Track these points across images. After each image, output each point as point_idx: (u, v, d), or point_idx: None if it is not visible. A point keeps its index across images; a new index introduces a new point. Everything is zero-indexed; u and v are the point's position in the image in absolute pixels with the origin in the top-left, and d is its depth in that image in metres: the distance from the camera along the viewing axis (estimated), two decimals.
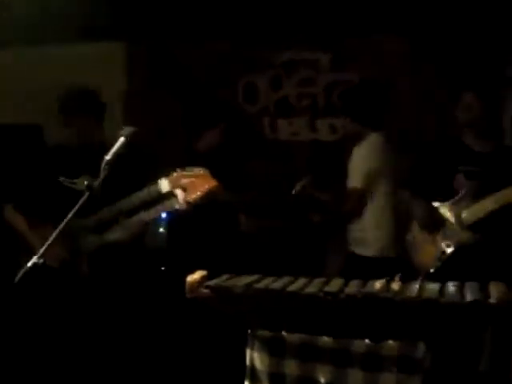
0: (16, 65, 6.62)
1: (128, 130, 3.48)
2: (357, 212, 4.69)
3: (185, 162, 4.21)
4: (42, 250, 2.79)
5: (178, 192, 3.40)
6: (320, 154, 5.95)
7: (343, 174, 4.78)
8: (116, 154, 3.20)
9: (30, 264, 2.74)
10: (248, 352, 2.84)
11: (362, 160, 4.67)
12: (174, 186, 3.41)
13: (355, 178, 4.65)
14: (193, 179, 3.40)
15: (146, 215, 3.65)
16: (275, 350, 2.78)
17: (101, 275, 3.91)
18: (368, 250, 4.68)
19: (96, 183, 3.09)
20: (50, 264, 3.79)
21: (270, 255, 5.15)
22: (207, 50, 6.17)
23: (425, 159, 4.40)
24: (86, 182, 3.08)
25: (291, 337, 2.76)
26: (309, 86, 6.01)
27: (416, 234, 4.34)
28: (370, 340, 2.66)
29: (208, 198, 3.44)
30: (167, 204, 3.53)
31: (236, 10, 5.37)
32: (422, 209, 4.27)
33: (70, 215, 2.98)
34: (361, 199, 4.67)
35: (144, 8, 5.43)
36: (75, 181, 3.88)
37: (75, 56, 6.39)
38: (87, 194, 3.06)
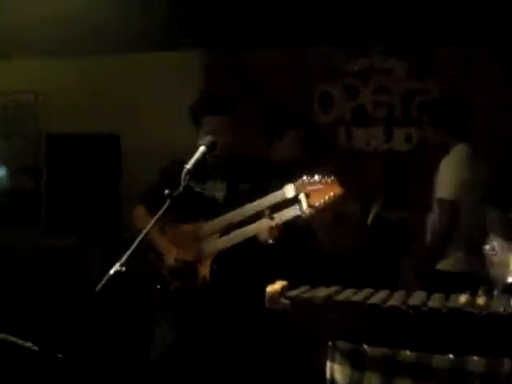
0: (94, 74, 6.75)
1: (208, 138, 3.51)
2: (451, 224, 4.53)
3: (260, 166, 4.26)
4: (124, 258, 2.82)
5: (302, 198, 3.38)
6: (395, 164, 5.89)
7: (419, 184, 4.72)
8: (197, 163, 3.24)
9: (112, 272, 2.77)
10: (328, 364, 2.81)
11: (452, 171, 4.55)
12: (299, 191, 3.40)
13: (445, 190, 4.55)
14: (319, 186, 3.36)
15: (270, 220, 3.64)
16: (356, 362, 2.75)
17: (220, 280, 3.95)
18: (446, 265, 4.58)
19: (177, 192, 3.11)
20: (170, 265, 3.91)
21: (346, 269, 5.11)
22: (282, 58, 6.18)
23: (507, 172, 4.31)
24: (166, 191, 3.11)
25: (372, 350, 2.72)
26: (385, 95, 5.95)
27: (493, 245, 4.23)
28: (454, 355, 2.61)
29: (333, 206, 3.41)
30: (291, 209, 3.52)
31: (311, 19, 5.35)
32: (502, 221, 4.16)
33: (151, 223, 3.02)
34: (454, 210, 4.57)
35: (220, 17, 5.46)
36: (204, 186, 3.97)
37: (153, 65, 6.49)
38: (168, 202, 3.09)
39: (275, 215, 3.59)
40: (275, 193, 3.57)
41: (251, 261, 3.97)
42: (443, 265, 4.57)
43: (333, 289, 2.88)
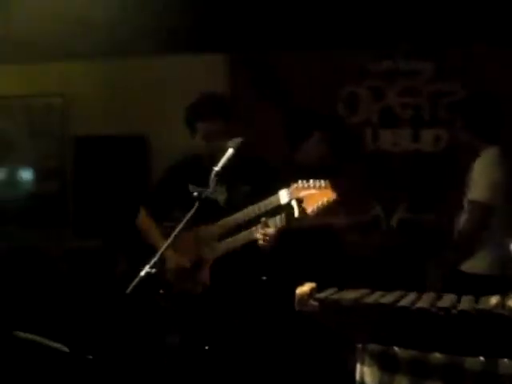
0: (121, 76, 6.79)
1: (236, 141, 3.51)
2: (483, 227, 4.49)
3: (286, 174, 4.26)
4: (153, 260, 2.84)
5: (295, 204, 3.38)
6: (423, 165, 5.86)
7: (447, 185, 4.69)
8: (225, 165, 3.24)
9: (143, 273, 2.78)
10: (358, 367, 2.81)
11: (484, 173, 4.51)
12: (293, 197, 3.39)
13: (477, 191, 4.51)
14: (312, 191, 3.35)
15: (277, 221, 3.65)
16: (386, 365, 2.74)
17: (219, 284, 3.96)
18: (475, 268, 4.55)
19: (205, 194, 3.12)
20: (170, 269, 3.93)
21: (372, 271, 5.09)
22: (308, 60, 6.17)
23: None
24: (195, 193, 3.12)
25: (402, 352, 2.71)
26: (412, 96, 5.93)
27: None
28: (484, 357, 2.59)
29: (326, 211, 3.40)
30: (284, 215, 3.53)
31: (337, 20, 5.35)
32: None
33: (181, 225, 3.03)
34: (487, 213, 4.52)
35: (245, 19, 5.47)
36: (209, 190, 3.98)
37: (179, 67, 6.52)
38: (197, 204, 3.10)
39: (270, 220, 3.61)
40: (270, 198, 3.58)
41: (251, 264, 3.96)
42: (474, 267, 4.54)
43: (361, 291, 2.88)
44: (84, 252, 6.58)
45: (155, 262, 2.84)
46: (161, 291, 4.01)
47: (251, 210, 3.69)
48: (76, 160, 6.53)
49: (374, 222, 5.12)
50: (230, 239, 3.83)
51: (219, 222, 3.88)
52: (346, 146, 5.72)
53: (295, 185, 3.41)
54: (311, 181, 3.37)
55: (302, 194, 3.37)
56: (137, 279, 2.77)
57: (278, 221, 3.61)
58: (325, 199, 3.33)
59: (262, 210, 3.63)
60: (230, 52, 6.42)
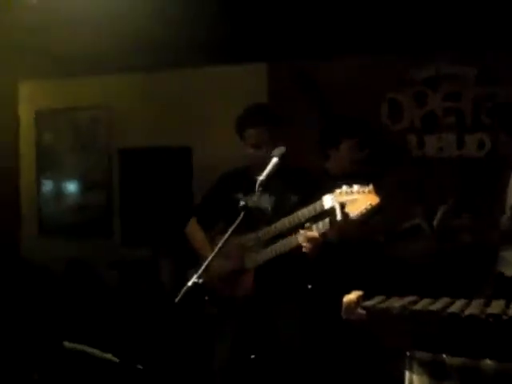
0: (163, 88, 6.86)
1: (280, 150, 3.53)
2: None
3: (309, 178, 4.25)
4: (201, 270, 2.86)
5: (338, 208, 3.38)
6: (468, 171, 5.81)
7: (492, 191, 4.65)
8: (270, 175, 3.26)
9: (190, 283, 2.81)
10: (407, 374, 2.80)
11: None
12: (336, 202, 3.39)
13: None
14: (356, 196, 3.33)
15: (315, 228, 3.65)
16: (435, 372, 2.72)
17: (265, 290, 3.99)
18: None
19: (251, 203, 3.14)
20: (214, 275, 3.96)
21: (416, 277, 5.06)
22: (348, 68, 6.16)
23: None
24: (242, 203, 3.14)
25: (452, 359, 2.70)
26: (455, 101, 5.89)
27: None
28: None
29: (370, 216, 3.39)
30: (328, 220, 3.53)
31: (377, 26, 5.33)
32: None
33: (228, 234, 3.05)
34: None
35: (283, 29, 5.47)
36: (252, 198, 4.01)
37: (219, 78, 6.57)
38: (243, 213, 3.11)
39: (314, 226, 3.60)
40: (313, 204, 3.58)
41: (296, 271, 3.96)
42: None
43: (409, 298, 2.87)
44: (131, 262, 6.65)
45: (202, 272, 2.85)
46: (206, 298, 4.04)
47: (295, 217, 3.71)
48: (122, 172, 6.58)
49: (413, 230, 5.10)
50: (274, 245, 3.84)
51: (264, 230, 3.90)
52: (384, 153, 5.69)
53: (339, 190, 3.40)
54: (355, 186, 3.36)
55: (346, 198, 3.35)
56: (184, 289, 2.79)
57: (320, 226, 3.61)
58: (369, 203, 3.31)
59: (307, 215, 3.64)
60: (269, 61, 6.44)
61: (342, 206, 3.35)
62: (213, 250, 3.92)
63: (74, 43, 5.58)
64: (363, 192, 3.33)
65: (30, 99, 7.51)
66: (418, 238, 5.11)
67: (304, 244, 3.69)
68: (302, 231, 3.69)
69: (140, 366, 3.05)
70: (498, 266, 4.65)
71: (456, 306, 2.73)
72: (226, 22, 5.23)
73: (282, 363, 4.05)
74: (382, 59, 6.00)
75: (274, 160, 3.41)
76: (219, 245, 3.00)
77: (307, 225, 3.65)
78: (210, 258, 2.92)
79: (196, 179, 6.36)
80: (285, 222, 3.78)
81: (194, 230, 4.23)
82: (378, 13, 5.02)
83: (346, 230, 3.54)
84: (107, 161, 7.23)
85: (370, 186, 3.35)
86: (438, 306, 2.75)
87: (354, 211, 3.33)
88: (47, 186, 7.74)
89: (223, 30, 5.38)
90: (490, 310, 2.62)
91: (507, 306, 2.70)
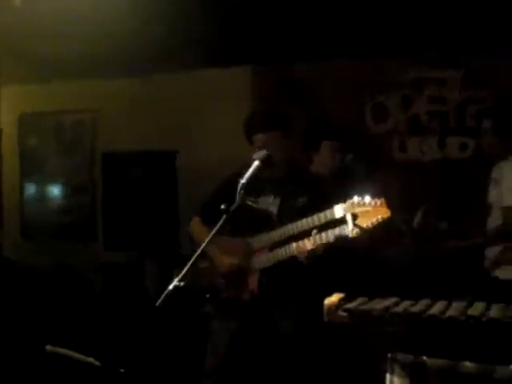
0: (147, 92, 6.85)
1: (261, 153, 3.53)
2: None
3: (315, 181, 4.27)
4: (182, 274, 2.86)
5: (349, 219, 3.38)
6: (450, 173, 5.84)
7: (475, 193, 4.68)
8: (252, 178, 3.26)
9: (171, 287, 2.80)
10: (388, 376, 2.80)
11: None
12: (348, 212, 3.40)
13: None
14: (368, 208, 3.36)
15: (318, 238, 3.66)
16: (416, 374, 2.73)
17: (268, 293, 3.99)
18: (506, 273, 4.53)
19: (233, 207, 3.14)
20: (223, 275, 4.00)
21: (399, 279, 5.08)
22: (333, 71, 6.18)
23: None
24: (222, 206, 3.14)
25: (432, 361, 2.71)
26: (439, 104, 5.91)
27: None
28: None
29: (380, 228, 3.41)
30: (338, 230, 3.53)
31: (364, 30, 5.34)
32: None
33: (208, 238, 3.05)
34: None
35: (269, 32, 5.48)
36: (257, 200, 4.02)
37: (204, 82, 6.57)
38: (224, 217, 3.11)
39: (323, 234, 3.61)
40: (324, 212, 3.58)
41: (299, 275, 3.97)
42: (506, 274, 4.53)
43: (390, 300, 2.88)
44: (115, 265, 6.64)
45: (184, 276, 2.85)
46: (207, 296, 4.05)
47: (305, 223, 3.70)
48: (105, 175, 6.57)
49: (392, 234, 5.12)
50: (279, 250, 3.85)
51: (270, 233, 3.91)
52: (374, 156, 5.72)
53: (351, 200, 3.42)
54: (367, 198, 3.38)
55: (358, 210, 3.38)
56: (165, 292, 2.78)
57: (323, 236, 3.62)
58: (379, 216, 3.34)
59: (316, 222, 3.64)
60: (254, 65, 6.45)
61: (354, 217, 3.37)
62: (214, 248, 3.98)
63: (58, 47, 5.57)
64: (375, 204, 3.35)
65: (14, 103, 7.48)
66: (399, 240, 5.14)
67: (298, 255, 3.73)
68: (294, 244, 3.72)
69: (122, 370, 3.05)
70: (485, 266, 4.68)
71: (437, 308, 2.74)
72: (211, 27, 5.22)
73: (280, 362, 4.07)
74: (367, 62, 6.03)
75: (256, 163, 3.41)
76: (199, 249, 2.99)
77: (314, 232, 3.67)
78: (189, 264, 2.91)
79: (181, 183, 6.35)
80: (292, 228, 3.78)
81: (198, 228, 4.20)
82: (364, 17, 5.04)
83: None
84: (91, 164, 7.22)
85: (382, 199, 3.37)
86: (418, 307, 2.76)
87: (364, 223, 3.35)
88: (31, 189, 7.72)
89: (208, 34, 5.38)
90: (470, 312, 2.63)
91: (488, 308, 2.72)
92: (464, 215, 5.04)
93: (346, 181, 4.71)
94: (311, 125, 5.19)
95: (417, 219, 4.84)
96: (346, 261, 4.47)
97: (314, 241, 3.63)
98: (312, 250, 3.65)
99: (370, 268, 4.87)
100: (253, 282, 3.97)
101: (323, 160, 4.82)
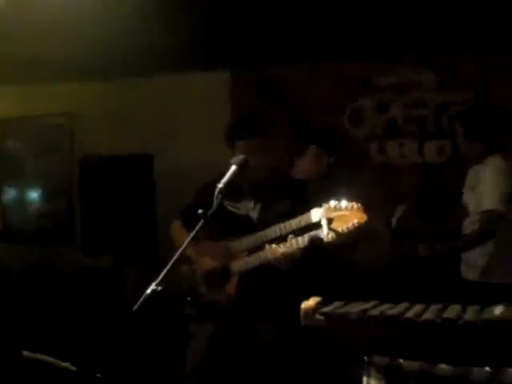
0: (125, 95, 6.84)
1: (239, 158, 3.53)
2: (491, 235, 4.51)
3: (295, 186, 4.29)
4: (160, 277, 2.85)
5: (324, 223, 3.38)
6: (428, 177, 5.87)
7: (452, 197, 4.71)
8: (229, 182, 3.26)
9: (149, 291, 2.80)
10: (364, 379, 2.82)
11: (496, 182, 4.53)
12: (324, 216, 3.40)
13: (491, 200, 4.50)
14: (344, 212, 3.34)
15: (294, 243, 3.67)
16: (392, 377, 2.75)
17: (247, 297, 4.00)
18: (480, 276, 4.58)
19: (210, 212, 3.13)
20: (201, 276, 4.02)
21: (378, 282, 5.10)
22: (311, 74, 6.21)
23: None
24: (200, 211, 3.13)
25: (409, 364, 2.72)
26: (417, 108, 5.94)
27: None
28: (491, 368, 2.60)
29: (355, 233, 3.41)
30: (314, 234, 3.54)
31: (340, 32, 5.36)
32: None
33: (186, 242, 3.05)
34: (496, 222, 4.55)
35: (245, 34, 5.48)
36: (238, 205, 4.02)
37: (181, 86, 6.57)
38: (202, 222, 3.11)
39: (299, 238, 3.62)
40: (302, 216, 3.58)
41: (278, 279, 3.98)
42: (480, 276, 4.57)
43: (367, 304, 2.89)
44: (93, 270, 6.61)
45: (162, 280, 2.84)
46: (188, 299, 4.05)
47: (282, 227, 3.71)
48: (82, 179, 6.54)
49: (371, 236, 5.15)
50: (257, 254, 3.86)
51: (249, 237, 3.92)
52: (353, 160, 5.74)
53: (327, 205, 3.41)
54: (344, 202, 3.37)
55: (334, 214, 3.36)
56: (143, 297, 2.77)
57: (300, 241, 3.64)
58: (356, 221, 3.32)
59: (294, 227, 3.65)
60: (232, 69, 6.46)
61: (330, 221, 3.36)
62: (194, 252, 3.98)
63: (37, 50, 5.55)
64: (352, 208, 3.35)
65: None
66: (376, 241, 5.17)
67: (272, 259, 3.74)
68: (267, 247, 3.73)
69: (98, 375, 3.04)
70: (462, 271, 4.72)
71: (413, 311, 2.75)
72: (187, 30, 5.22)
73: (258, 366, 4.07)
74: (345, 66, 6.05)
75: (233, 168, 3.40)
76: (177, 254, 2.99)
77: (290, 237, 3.68)
78: (168, 267, 2.91)
79: (158, 187, 6.34)
80: (270, 232, 3.79)
81: (179, 232, 4.22)
82: (341, 20, 5.05)
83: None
84: (69, 168, 7.20)
85: (359, 204, 3.36)
86: (396, 310, 2.77)
87: (339, 227, 3.35)
88: (10, 193, 7.68)
89: (184, 37, 5.38)
90: (446, 315, 2.64)
91: (463, 311, 2.73)
92: (441, 217, 5.06)
93: (330, 185, 4.74)
94: (299, 129, 5.25)
95: (396, 216, 4.87)
96: (325, 264, 4.50)
97: (290, 245, 3.64)
98: (286, 255, 3.67)
99: (349, 271, 4.89)
100: (231, 285, 3.98)
101: (307, 165, 4.86)
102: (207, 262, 4.04)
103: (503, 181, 4.51)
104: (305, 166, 4.87)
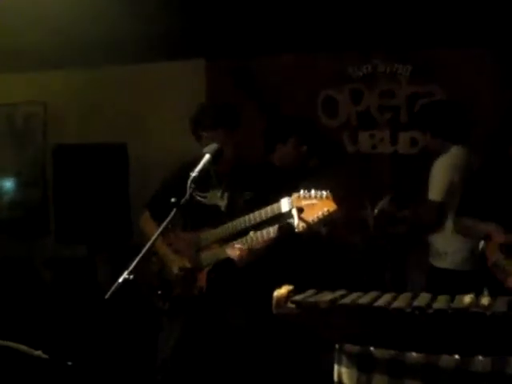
0: (99, 85, 6.81)
1: (212, 147, 3.53)
2: (436, 225, 4.71)
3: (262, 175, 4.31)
4: (131, 267, 2.85)
5: (294, 212, 3.36)
6: (401, 167, 5.91)
7: (424, 187, 4.77)
8: (202, 171, 3.26)
9: (120, 280, 2.79)
10: (336, 367, 2.84)
11: (442, 173, 4.66)
12: (294, 206, 3.38)
13: (435, 191, 4.64)
14: (314, 201, 3.31)
15: (264, 233, 3.68)
16: (363, 365, 2.78)
17: (218, 288, 4.02)
18: (447, 263, 4.64)
19: (183, 200, 3.13)
20: (172, 271, 4.03)
21: (349, 270, 5.14)
22: (285, 64, 6.21)
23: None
24: (173, 200, 3.13)
25: (379, 352, 2.75)
26: (390, 99, 5.96)
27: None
28: (460, 355, 2.63)
29: (326, 221, 3.41)
30: (284, 224, 3.54)
31: (313, 24, 5.37)
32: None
33: (159, 230, 3.04)
34: (440, 212, 4.64)
35: (220, 24, 5.48)
36: (206, 195, 4.02)
37: (156, 74, 6.55)
38: (174, 210, 3.10)
39: (270, 228, 3.64)
40: (271, 206, 3.59)
41: (250, 269, 3.99)
42: (446, 263, 4.63)
43: (338, 292, 2.91)
44: (67, 260, 6.59)
45: (133, 269, 2.84)
46: (159, 292, 4.05)
47: (252, 217, 3.72)
48: (56, 168, 6.50)
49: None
50: (225, 247, 3.87)
51: (219, 228, 3.91)
52: (327, 149, 5.77)
53: (297, 194, 3.39)
54: (313, 191, 3.35)
55: (303, 203, 3.34)
56: (115, 285, 2.77)
57: (264, 233, 3.66)
58: (325, 209, 3.30)
59: (263, 217, 3.66)
60: (207, 58, 6.44)
61: (300, 210, 3.35)
62: (164, 244, 3.99)
63: (9, 39, 5.51)
64: (321, 197, 3.33)
65: None
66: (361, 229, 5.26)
67: (232, 255, 3.80)
68: (230, 243, 3.79)
69: (70, 363, 3.03)
70: (430, 258, 4.79)
71: (384, 300, 2.77)
72: (162, 19, 5.20)
73: (230, 355, 4.09)
74: (318, 57, 6.06)
75: (207, 156, 3.40)
76: (148, 244, 2.98)
77: (251, 232, 3.70)
78: (140, 256, 2.90)
79: (132, 175, 6.32)
80: (240, 222, 3.80)
81: (147, 223, 4.22)
82: (316, 11, 5.06)
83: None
84: (42, 157, 7.16)
85: (328, 192, 3.35)
86: (366, 299, 2.79)
87: (310, 216, 3.33)
88: None
89: (160, 26, 5.36)
90: (416, 303, 2.67)
91: (433, 299, 2.76)
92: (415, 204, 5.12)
93: (304, 174, 4.78)
94: (281, 117, 5.28)
95: (379, 206, 4.94)
96: (298, 250, 4.52)
97: (250, 241, 3.67)
98: (244, 252, 3.70)
99: (334, 258, 4.96)
100: (201, 278, 3.98)
101: (288, 152, 4.89)
102: (177, 256, 4.04)
103: (452, 171, 4.66)
104: (284, 155, 4.90)
